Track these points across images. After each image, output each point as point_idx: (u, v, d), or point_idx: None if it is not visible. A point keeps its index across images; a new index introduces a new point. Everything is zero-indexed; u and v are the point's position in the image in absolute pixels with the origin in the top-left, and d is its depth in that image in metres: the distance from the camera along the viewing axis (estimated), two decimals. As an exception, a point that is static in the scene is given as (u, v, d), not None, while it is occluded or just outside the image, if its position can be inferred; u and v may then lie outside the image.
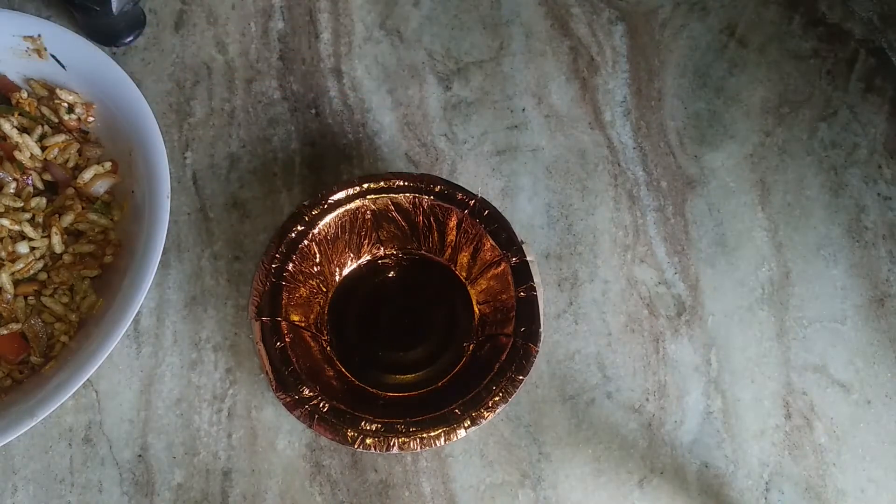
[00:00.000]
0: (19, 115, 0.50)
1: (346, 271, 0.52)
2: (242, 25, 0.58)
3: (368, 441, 0.43)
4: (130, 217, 0.50)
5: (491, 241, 0.48)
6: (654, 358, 0.53)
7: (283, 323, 0.46)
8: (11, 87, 0.52)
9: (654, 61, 0.60)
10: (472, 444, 0.50)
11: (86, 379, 0.43)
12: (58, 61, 0.50)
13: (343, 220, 0.49)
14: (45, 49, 0.50)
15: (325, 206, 0.48)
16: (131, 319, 0.45)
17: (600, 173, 0.57)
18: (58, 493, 0.48)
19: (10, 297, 0.47)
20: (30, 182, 0.50)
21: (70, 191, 0.50)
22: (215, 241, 0.54)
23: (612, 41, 0.60)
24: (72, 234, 0.50)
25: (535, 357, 0.45)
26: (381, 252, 0.52)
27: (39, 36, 0.50)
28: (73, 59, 0.50)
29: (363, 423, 0.44)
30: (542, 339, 0.45)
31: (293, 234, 0.47)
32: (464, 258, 0.51)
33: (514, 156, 0.57)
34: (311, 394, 0.44)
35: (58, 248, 0.49)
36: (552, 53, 0.59)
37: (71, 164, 0.51)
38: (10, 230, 0.48)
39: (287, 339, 0.46)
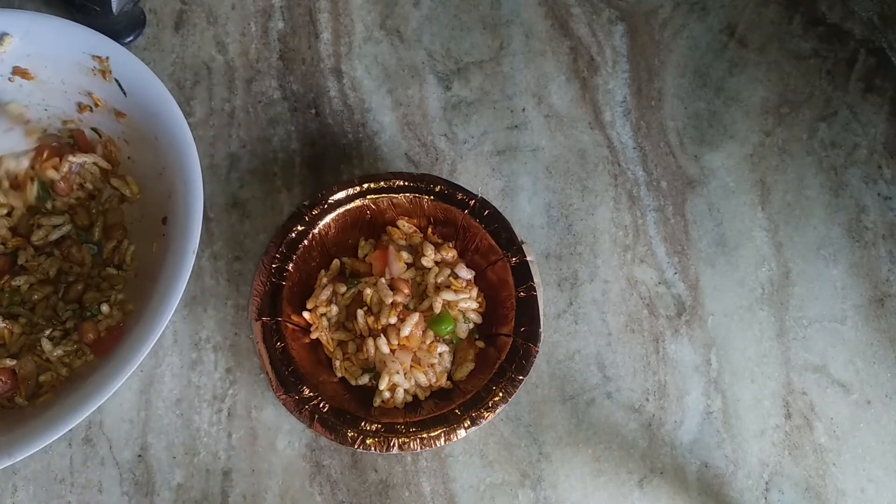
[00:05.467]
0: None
1: (346, 271, 0.51)
2: (242, 25, 0.58)
3: (368, 441, 0.43)
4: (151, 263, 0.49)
5: (491, 241, 0.48)
6: (654, 358, 0.53)
7: (283, 323, 0.46)
8: (87, 147, 0.52)
9: (654, 61, 0.60)
10: (472, 444, 0.50)
11: (64, 431, 0.42)
12: (121, 87, 0.49)
13: (343, 220, 0.49)
14: (111, 72, 0.49)
15: (325, 206, 0.48)
16: (122, 380, 0.43)
17: (600, 173, 0.57)
18: (58, 493, 0.48)
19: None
20: None
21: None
22: (215, 241, 0.54)
23: (612, 41, 0.60)
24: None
25: (535, 357, 0.45)
26: (381, 252, 0.52)
27: (107, 58, 0.49)
28: (136, 88, 0.49)
29: (363, 424, 0.44)
30: (542, 339, 0.45)
31: (293, 234, 0.47)
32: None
33: (514, 156, 0.57)
34: (311, 394, 0.44)
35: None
36: (552, 53, 0.59)
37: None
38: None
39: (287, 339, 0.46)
